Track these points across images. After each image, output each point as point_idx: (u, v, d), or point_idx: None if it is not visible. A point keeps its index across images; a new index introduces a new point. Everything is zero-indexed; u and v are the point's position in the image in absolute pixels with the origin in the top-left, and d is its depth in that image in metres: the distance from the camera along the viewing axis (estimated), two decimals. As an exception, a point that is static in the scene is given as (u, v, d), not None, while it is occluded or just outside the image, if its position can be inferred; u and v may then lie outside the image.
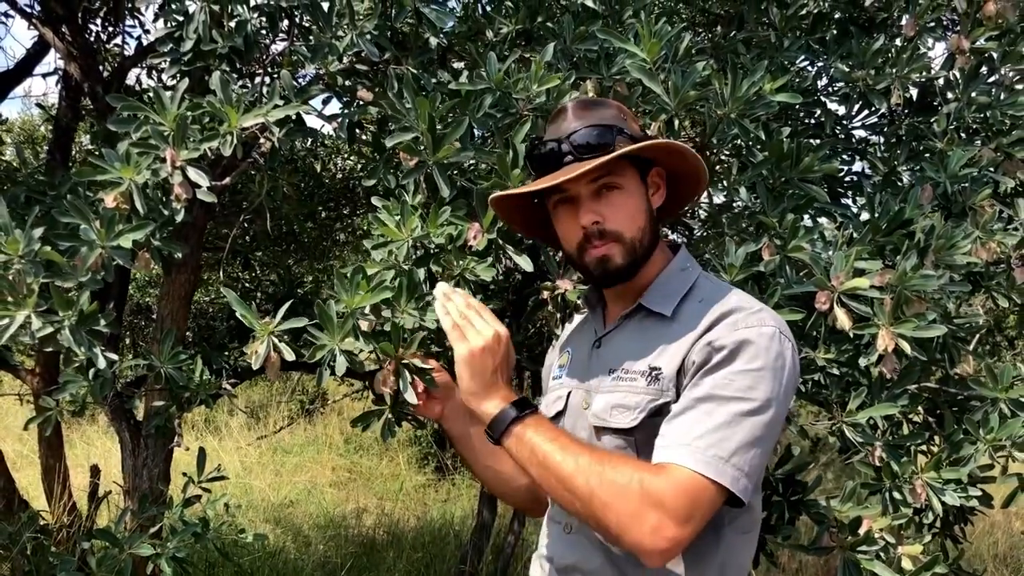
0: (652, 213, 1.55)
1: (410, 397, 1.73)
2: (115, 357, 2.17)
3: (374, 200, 2.16)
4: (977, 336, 2.83)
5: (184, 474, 2.67)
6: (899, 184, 2.72)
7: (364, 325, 1.79)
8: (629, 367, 1.48)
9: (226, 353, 3.55)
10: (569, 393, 1.61)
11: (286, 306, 1.88)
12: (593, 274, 1.54)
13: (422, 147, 2.04)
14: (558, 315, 2.27)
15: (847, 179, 3.05)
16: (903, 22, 2.68)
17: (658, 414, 1.41)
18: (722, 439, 1.30)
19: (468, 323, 1.51)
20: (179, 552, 2.40)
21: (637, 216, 1.51)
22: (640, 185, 1.54)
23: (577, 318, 1.82)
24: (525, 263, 2.06)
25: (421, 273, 1.91)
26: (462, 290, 1.61)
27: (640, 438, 1.43)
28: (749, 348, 1.36)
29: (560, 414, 1.62)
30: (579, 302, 1.74)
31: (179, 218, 2.09)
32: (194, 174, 2.04)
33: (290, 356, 1.82)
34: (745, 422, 1.32)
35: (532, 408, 1.48)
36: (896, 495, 2.13)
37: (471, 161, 2.19)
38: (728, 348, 1.36)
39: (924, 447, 2.40)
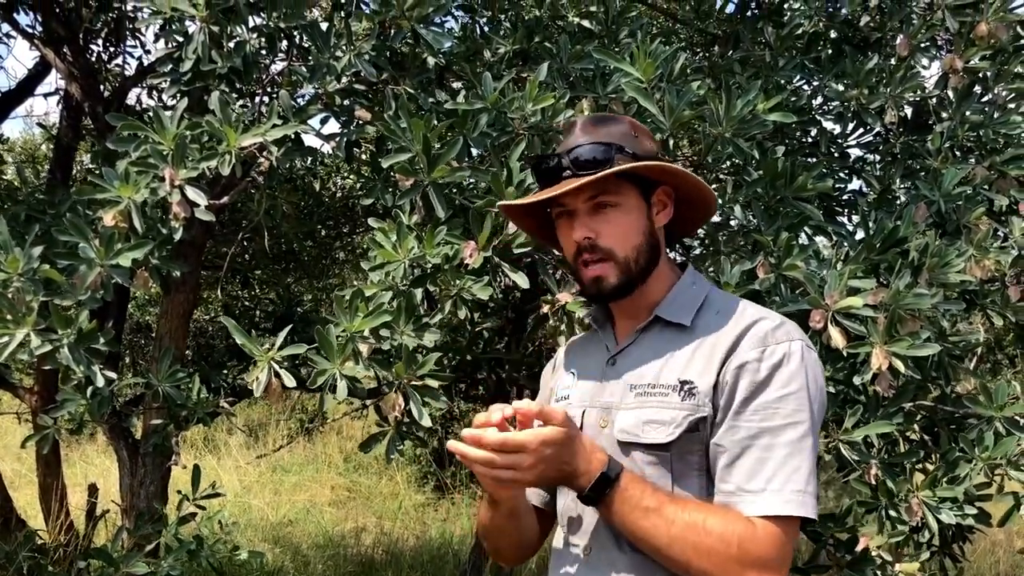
0: (652, 231, 1.54)
1: (425, 421, 1.72)
2: (113, 375, 2.18)
3: (371, 221, 2.18)
4: (978, 354, 2.83)
5: (179, 492, 2.67)
6: (895, 202, 2.73)
7: (363, 349, 1.80)
8: (656, 381, 1.47)
9: (224, 372, 3.56)
10: (583, 412, 1.58)
11: (285, 331, 1.89)
12: (590, 292, 1.55)
13: (418, 167, 2.05)
14: (561, 326, 2.27)
15: (844, 197, 3.07)
16: (897, 42, 2.71)
17: (695, 429, 1.41)
18: (793, 471, 1.34)
19: (496, 472, 1.34)
20: (174, 571, 2.40)
21: (632, 234, 1.51)
22: (640, 204, 1.53)
23: (573, 339, 1.81)
24: (521, 280, 2.07)
25: (419, 294, 1.92)
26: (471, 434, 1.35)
27: (675, 453, 1.42)
28: (784, 370, 1.38)
29: None
30: (587, 320, 1.72)
31: (177, 236, 2.10)
32: (192, 193, 2.06)
33: (291, 382, 1.83)
34: (802, 446, 1.35)
35: (615, 474, 1.39)
36: (892, 513, 2.13)
37: (468, 180, 2.21)
38: (762, 374, 1.38)
39: (921, 465, 2.40)
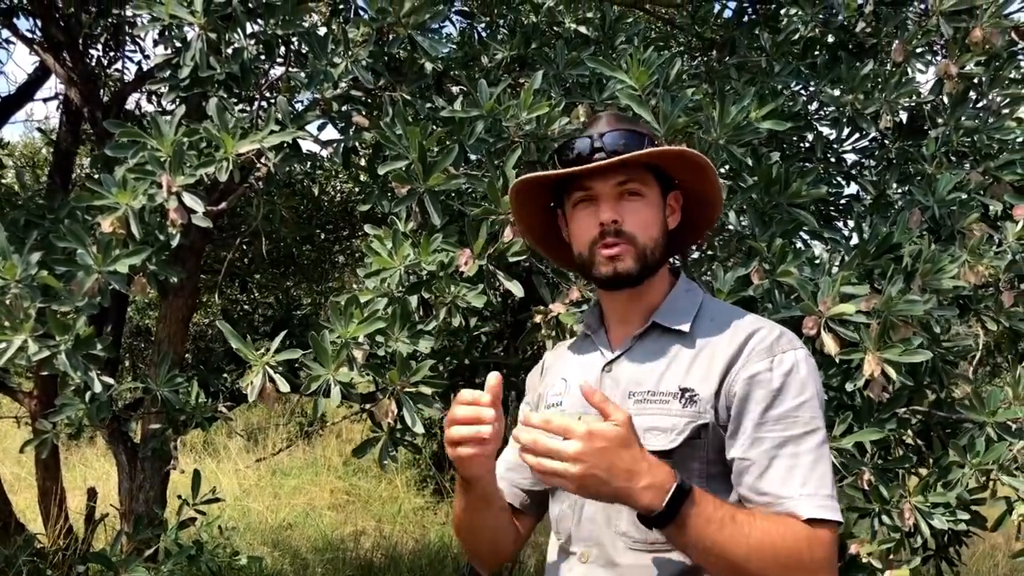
0: (666, 230, 1.55)
1: (418, 428, 1.73)
2: (111, 381, 2.19)
3: (367, 228, 2.19)
4: (977, 358, 2.84)
5: (179, 496, 2.68)
6: (890, 207, 2.74)
7: (358, 355, 1.81)
8: (656, 388, 1.47)
9: (224, 376, 3.57)
10: (579, 419, 1.59)
11: (280, 336, 1.90)
12: (601, 272, 1.52)
13: (414, 175, 2.07)
14: (553, 335, 2.29)
15: (840, 202, 3.08)
16: (892, 47, 2.72)
17: (696, 436, 1.42)
18: (821, 477, 1.36)
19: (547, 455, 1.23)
20: (173, 575, 2.40)
21: (652, 226, 1.51)
22: (660, 200, 1.55)
23: (560, 344, 1.80)
24: (516, 289, 2.08)
25: (414, 300, 1.93)
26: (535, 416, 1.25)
27: (677, 460, 1.41)
28: (796, 377, 1.40)
29: None
30: (577, 328, 1.70)
31: (175, 243, 2.12)
32: (189, 199, 2.07)
33: (285, 387, 1.85)
34: (823, 452, 1.38)
35: (689, 487, 1.31)
36: (885, 519, 2.14)
37: (465, 186, 2.22)
38: (776, 383, 1.39)
39: (915, 471, 2.40)
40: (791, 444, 1.37)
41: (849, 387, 2.15)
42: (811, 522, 1.32)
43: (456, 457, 1.38)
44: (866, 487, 2.18)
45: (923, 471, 2.37)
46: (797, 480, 1.35)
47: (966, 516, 2.15)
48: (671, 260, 1.68)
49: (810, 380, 1.41)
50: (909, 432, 2.44)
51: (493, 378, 1.35)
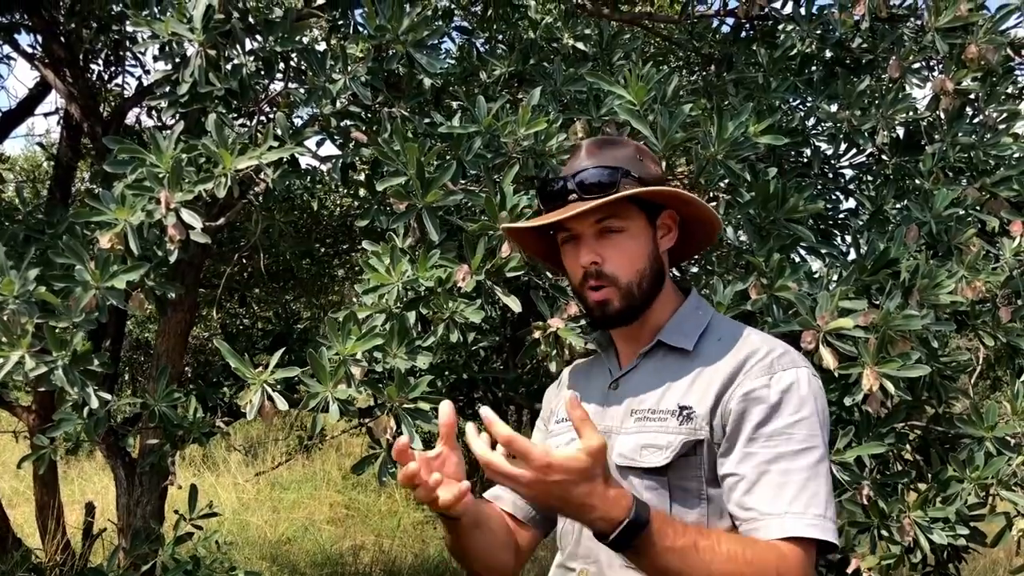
0: (656, 256, 1.54)
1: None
2: (108, 397, 2.18)
3: (364, 244, 2.19)
4: (978, 371, 2.84)
5: (176, 511, 2.67)
6: (887, 223, 2.75)
7: (356, 371, 1.81)
8: (656, 407, 1.46)
9: (222, 390, 3.56)
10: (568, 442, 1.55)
11: (278, 353, 1.90)
12: (594, 316, 1.54)
13: (412, 191, 2.07)
14: (552, 352, 2.29)
15: (838, 218, 3.09)
16: (889, 63, 2.73)
17: (691, 453, 1.41)
18: (812, 495, 1.33)
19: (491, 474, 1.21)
20: (170, 591, 2.40)
21: (637, 260, 1.50)
22: (647, 228, 1.53)
23: (579, 361, 1.79)
24: (514, 304, 2.08)
25: (412, 316, 1.93)
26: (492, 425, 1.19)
27: (672, 476, 1.41)
28: (793, 396, 1.37)
29: None
30: (589, 344, 1.70)
31: (173, 259, 2.12)
32: (187, 215, 2.08)
33: (283, 405, 1.84)
34: (819, 471, 1.35)
35: (645, 519, 1.28)
36: (884, 533, 2.14)
37: (464, 201, 2.23)
38: (773, 399, 1.37)
39: (914, 486, 2.40)
40: (784, 460, 1.34)
41: (848, 401, 2.15)
42: (792, 540, 1.29)
43: (416, 499, 1.34)
44: (865, 502, 2.17)
45: (922, 486, 2.37)
46: (786, 497, 1.32)
47: (965, 531, 2.15)
48: (675, 274, 1.66)
49: (811, 398, 1.38)
50: (908, 447, 2.43)
51: (444, 408, 1.31)
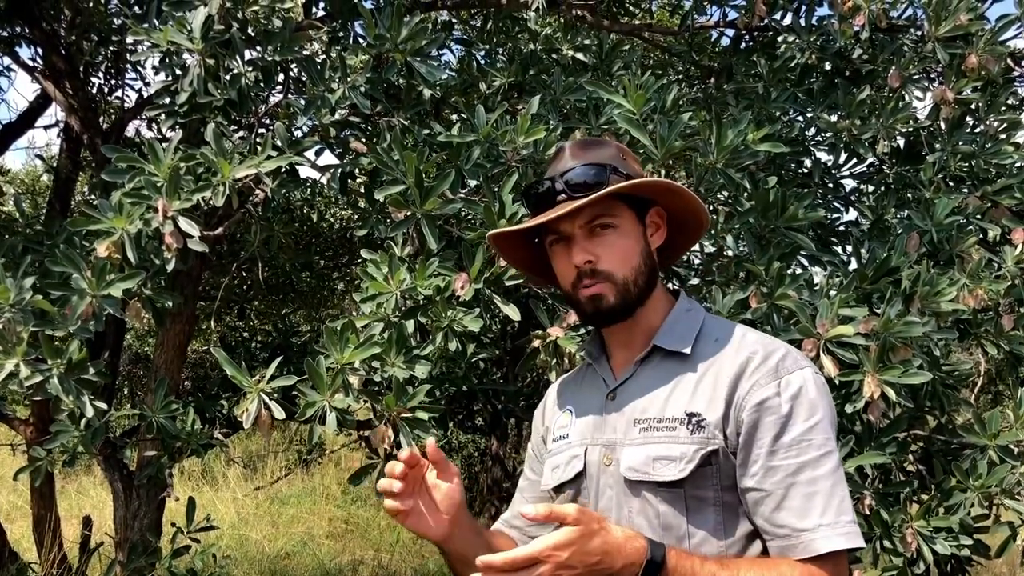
0: (649, 253, 1.51)
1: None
2: (104, 406, 2.17)
3: (363, 252, 2.18)
4: (979, 385, 2.83)
5: (173, 524, 2.65)
6: (888, 232, 2.74)
7: (354, 380, 1.80)
8: (661, 415, 1.43)
9: (221, 403, 3.55)
10: (585, 450, 1.52)
11: (276, 363, 1.89)
12: (587, 312, 1.50)
13: (411, 200, 2.06)
14: (552, 361, 2.27)
15: (839, 227, 3.08)
16: (889, 74, 2.73)
17: (707, 463, 1.37)
18: (840, 502, 1.32)
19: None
20: (166, 604, 2.37)
21: (631, 256, 1.47)
22: (637, 225, 1.50)
23: (563, 377, 1.75)
24: (513, 312, 2.07)
25: (410, 325, 1.92)
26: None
27: (688, 488, 1.38)
28: (803, 401, 1.36)
29: (580, 475, 1.52)
30: (579, 355, 1.67)
31: (170, 267, 2.11)
32: (185, 224, 2.07)
33: (281, 414, 1.83)
34: (839, 474, 1.35)
35: (661, 558, 1.30)
36: (887, 544, 2.12)
37: (463, 210, 2.22)
38: (785, 410, 1.36)
39: (917, 496, 2.38)
40: (807, 469, 1.33)
41: (849, 409, 2.13)
42: (826, 556, 1.28)
43: (389, 512, 1.39)
44: (867, 512, 2.15)
45: (924, 497, 2.35)
46: (816, 509, 1.31)
47: (969, 541, 2.13)
48: (665, 278, 1.65)
49: (820, 400, 1.36)
50: (910, 458, 2.42)
51: (429, 446, 1.37)
